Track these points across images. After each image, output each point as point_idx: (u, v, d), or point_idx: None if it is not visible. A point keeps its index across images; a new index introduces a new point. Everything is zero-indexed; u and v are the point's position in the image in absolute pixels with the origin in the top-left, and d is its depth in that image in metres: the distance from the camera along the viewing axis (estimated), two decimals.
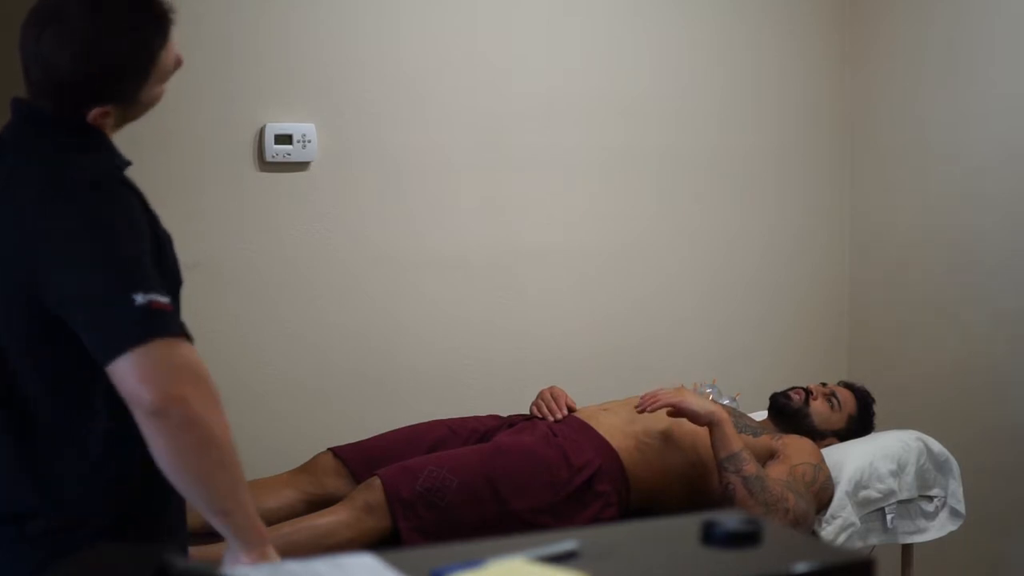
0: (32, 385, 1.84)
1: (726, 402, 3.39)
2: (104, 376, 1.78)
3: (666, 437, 3.11)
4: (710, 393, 3.38)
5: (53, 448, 1.85)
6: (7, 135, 1.95)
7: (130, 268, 1.78)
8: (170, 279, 1.92)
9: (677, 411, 3.01)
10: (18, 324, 1.84)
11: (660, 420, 3.14)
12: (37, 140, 1.91)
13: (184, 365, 1.75)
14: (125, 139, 2.94)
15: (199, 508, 1.82)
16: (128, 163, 1.99)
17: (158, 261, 1.87)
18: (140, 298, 1.74)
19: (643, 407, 3.04)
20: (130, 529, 1.85)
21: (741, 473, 2.92)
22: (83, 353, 1.80)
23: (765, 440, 3.18)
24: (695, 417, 2.99)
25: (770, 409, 3.36)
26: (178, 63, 2.00)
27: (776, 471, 3.01)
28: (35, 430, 1.85)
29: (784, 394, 3.35)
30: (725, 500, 2.93)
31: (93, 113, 1.90)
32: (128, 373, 1.73)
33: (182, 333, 1.79)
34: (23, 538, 1.85)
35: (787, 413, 3.31)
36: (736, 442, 2.96)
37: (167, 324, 1.76)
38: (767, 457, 3.12)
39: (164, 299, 1.77)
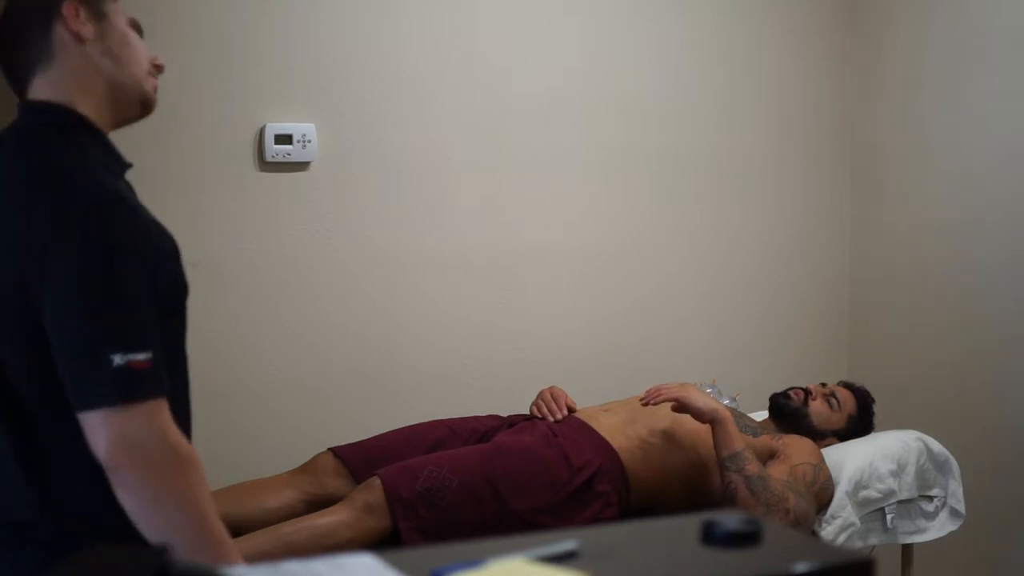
0: (30, 394, 1.84)
1: (726, 402, 3.39)
2: None
3: (666, 437, 3.11)
4: (710, 393, 3.38)
5: (52, 457, 1.84)
6: (7, 134, 1.95)
7: (115, 319, 1.75)
8: (174, 291, 1.90)
9: (680, 406, 3.01)
10: (13, 331, 1.83)
11: (661, 420, 3.14)
12: (38, 140, 1.90)
13: (154, 437, 1.75)
14: (126, 139, 2.93)
15: None
16: (129, 165, 1.98)
17: (159, 280, 1.85)
18: (118, 358, 1.73)
19: (647, 400, 3.04)
20: (130, 535, 1.85)
21: (743, 472, 2.92)
22: None
23: (765, 440, 3.18)
24: (698, 414, 2.99)
25: (770, 409, 3.36)
26: (134, 26, 2.01)
27: (776, 471, 3.01)
28: (34, 440, 1.84)
29: (783, 394, 3.36)
30: (726, 499, 2.93)
31: (66, 10, 1.91)
32: (95, 434, 1.74)
33: (158, 394, 1.77)
34: (24, 543, 1.85)
35: (786, 413, 3.31)
36: (738, 441, 2.96)
37: (142, 387, 1.74)
38: (767, 457, 3.12)
39: (144, 356, 1.75)
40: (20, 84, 1.96)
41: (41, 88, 1.94)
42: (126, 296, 1.78)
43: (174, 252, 1.94)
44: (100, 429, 1.74)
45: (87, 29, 1.94)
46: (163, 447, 1.75)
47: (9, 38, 1.95)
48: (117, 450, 1.73)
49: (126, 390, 1.73)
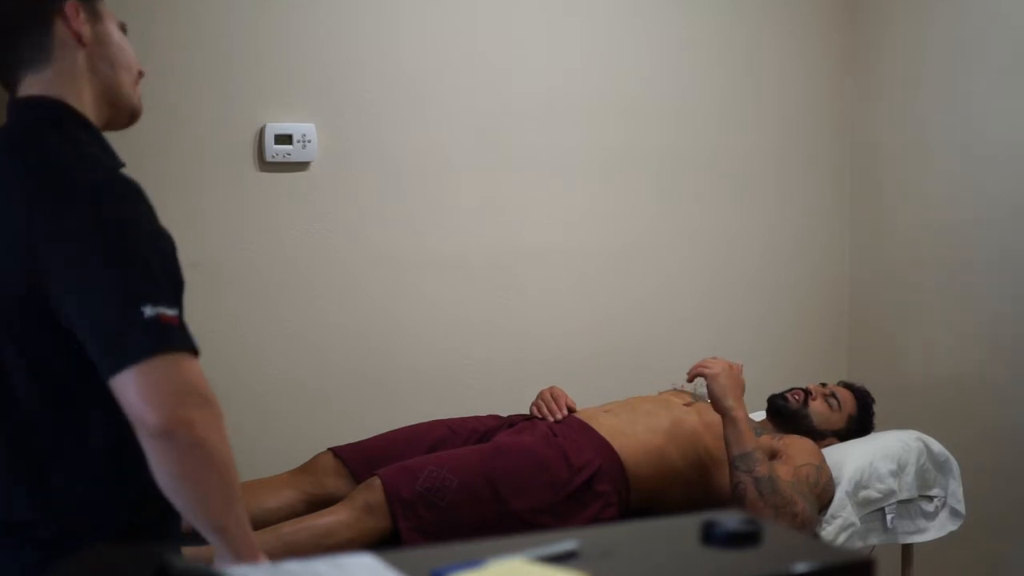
0: (30, 394, 1.83)
1: None
2: (104, 388, 1.75)
3: (667, 437, 3.11)
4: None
5: (53, 458, 1.83)
6: (1, 134, 1.94)
7: (140, 276, 1.74)
8: (177, 283, 1.91)
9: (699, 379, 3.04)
10: (13, 330, 1.82)
11: (661, 420, 3.14)
12: (33, 137, 1.89)
13: (189, 385, 1.72)
14: (127, 138, 2.93)
15: (194, 522, 1.80)
16: (122, 164, 1.98)
17: (167, 263, 1.85)
18: (148, 310, 1.71)
19: (692, 372, 3.06)
20: (130, 535, 1.84)
21: (753, 473, 2.91)
22: (83, 362, 1.77)
23: (766, 440, 3.18)
24: (713, 399, 2.99)
25: (768, 411, 3.36)
26: (122, 28, 2.02)
27: (780, 472, 3.01)
28: (35, 440, 1.84)
29: (782, 396, 3.35)
30: (735, 499, 2.92)
31: (67, 10, 1.90)
32: (131, 390, 1.70)
33: (189, 347, 1.75)
34: (24, 544, 1.84)
35: (786, 415, 3.31)
36: (750, 441, 2.95)
37: (174, 339, 1.72)
38: (769, 457, 3.12)
39: (173, 311, 1.74)
40: (9, 80, 1.95)
41: (32, 86, 1.92)
42: (146, 258, 1.77)
43: (174, 244, 1.94)
44: (135, 387, 1.69)
45: (87, 29, 1.93)
46: (200, 396, 1.73)
47: (3, 34, 1.93)
48: (154, 404, 1.68)
49: (160, 340, 1.70)
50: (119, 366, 1.70)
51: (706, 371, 3.02)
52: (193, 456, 1.72)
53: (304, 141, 3.34)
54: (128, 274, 1.74)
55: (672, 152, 3.82)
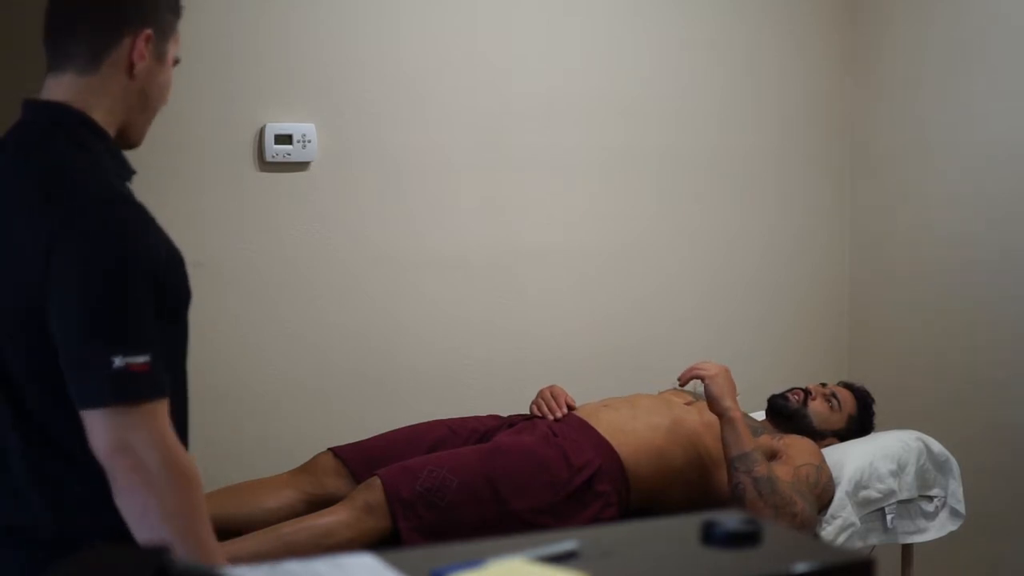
0: (32, 395, 1.83)
1: None
2: None
3: (667, 436, 3.11)
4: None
5: (55, 459, 1.84)
6: (12, 134, 1.93)
7: (116, 321, 1.76)
8: (177, 299, 1.90)
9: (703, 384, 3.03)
10: (16, 333, 1.82)
11: (661, 419, 3.14)
12: (42, 140, 1.88)
13: (141, 442, 1.75)
14: None
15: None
16: (134, 172, 1.97)
17: (167, 282, 1.85)
18: (118, 360, 1.74)
19: (684, 376, 3.07)
20: (131, 537, 1.84)
21: (752, 474, 2.91)
22: None
23: (766, 440, 3.18)
24: (710, 400, 3.00)
25: (768, 411, 3.36)
26: (176, 61, 2.01)
27: (780, 472, 3.01)
28: (38, 441, 1.84)
29: (782, 395, 3.35)
30: (734, 500, 2.92)
31: (140, 38, 1.89)
32: (92, 428, 1.76)
33: (154, 395, 1.77)
34: (24, 544, 1.84)
35: (785, 415, 3.31)
36: (748, 442, 2.95)
37: (139, 390, 1.75)
38: (769, 457, 3.11)
39: (142, 359, 1.75)
40: (52, 64, 1.92)
41: (58, 89, 1.91)
42: (128, 298, 1.78)
43: (180, 259, 1.93)
44: (99, 429, 1.75)
45: (143, 65, 1.92)
46: (159, 455, 1.75)
47: (70, 22, 1.90)
48: (114, 451, 1.75)
49: (124, 392, 1.74)
50: (86, 404, 1.76)
51: (704, 372, 3.02)
52: (146, 513, 1.76)
53: (304, 141, 3.34)
54: (107, 313, 1.76)
55: (672, 152, 3.82)
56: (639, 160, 3.78)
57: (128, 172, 1.96)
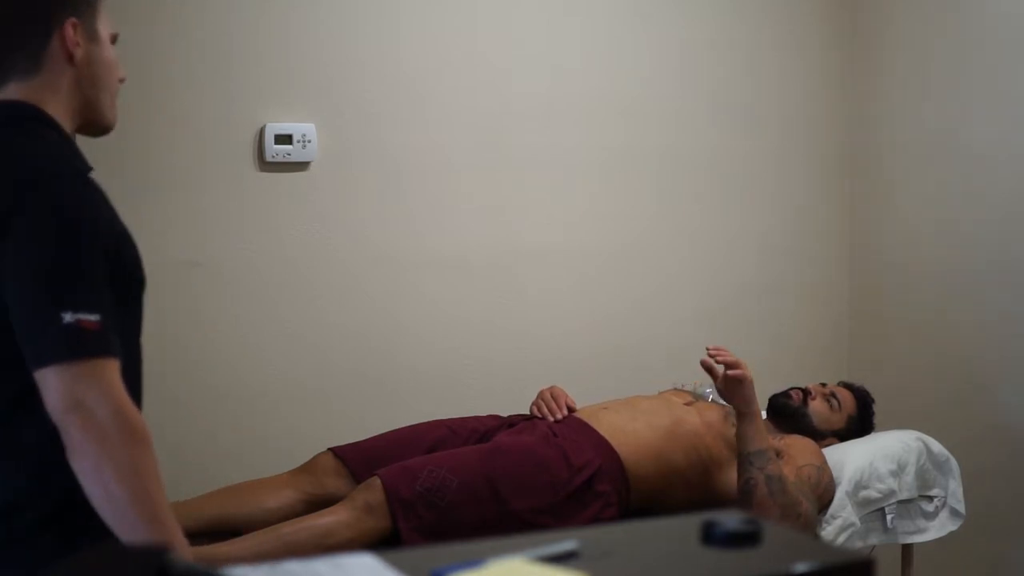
0: (3, 392, 1.85)
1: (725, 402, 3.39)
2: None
3: (667, 436, 3.11)
4: (710, 393, 3.38)
5: (39, 436, 1.84)
6: None
7: (66, 280, 1.79)
8: (128, 280, 1.93)
9: (732, 377, 2.96)
10: None
11: (662, 419, 3.14)
12: (2, 132, 1.92)
13: (93, 397, 1.76)
14: (128, 138, 2.94)
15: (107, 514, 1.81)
16: (90, 168, 1.99)
17: (115, 262, 1.87)
18: (68, 316, 1.76)
19: (714, 354, 2.98)
20: (54, 531, 1.85)
21: (765, 471, 2.91)
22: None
23: (769, 440, 3.17)
24: (746, 401, 2.96)
25: (768, 410, 3.36)
26: (113, 39, 2.05)
27: (784, 471, 3.00)
28: (20, 419, 1.85)
29: (783, 394, 3.35)
30: (743, 496, 2.92)
31: (67, 29, 1.93)
32: (44, 386, 1.77)
33: (105, 353, 1.79)
34: (12, 525, 1.85)
35: (786, 414, 3.31)
36: (766, 439, 2.95)
37: (89, 345, 1.77)
38: None
39: (93, 317, 1.78)
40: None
41: (13, 92, 1.95)
42: (80, 260, 1.81)
43: (133, 243, 1.97)
44: (53, 386, 1.77)
45: (80, 51, 1.97)
46: (110, 410, 1.77)
47: (2, 41, 1.96)
48: (65, 407, 1.76)
49: (75, 347, 1.76)
50: (38, 363, 1.78)
51: (748, 373, 2.98)
52: (99, 471, 1.76)
53: (304, 141, 3.34)
54: (57, 271, 1.79)
55: (672, 152, 3.82)
56: (639, 160, 3.78)
57: (86, 167, 1.97)
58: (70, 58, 1.95)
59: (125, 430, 1.77)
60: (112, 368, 1.79)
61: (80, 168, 1.93)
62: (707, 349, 3.01)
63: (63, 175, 1.86)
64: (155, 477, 1.80)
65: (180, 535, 1.83)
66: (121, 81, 2.07)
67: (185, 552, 1.81)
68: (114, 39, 2.05)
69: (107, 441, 1.76)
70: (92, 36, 1.99)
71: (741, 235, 3.93)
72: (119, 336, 1.84)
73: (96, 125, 2.04)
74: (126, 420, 1.77)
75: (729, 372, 2.96)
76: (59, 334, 1.75)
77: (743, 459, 2.94)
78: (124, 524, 1.76)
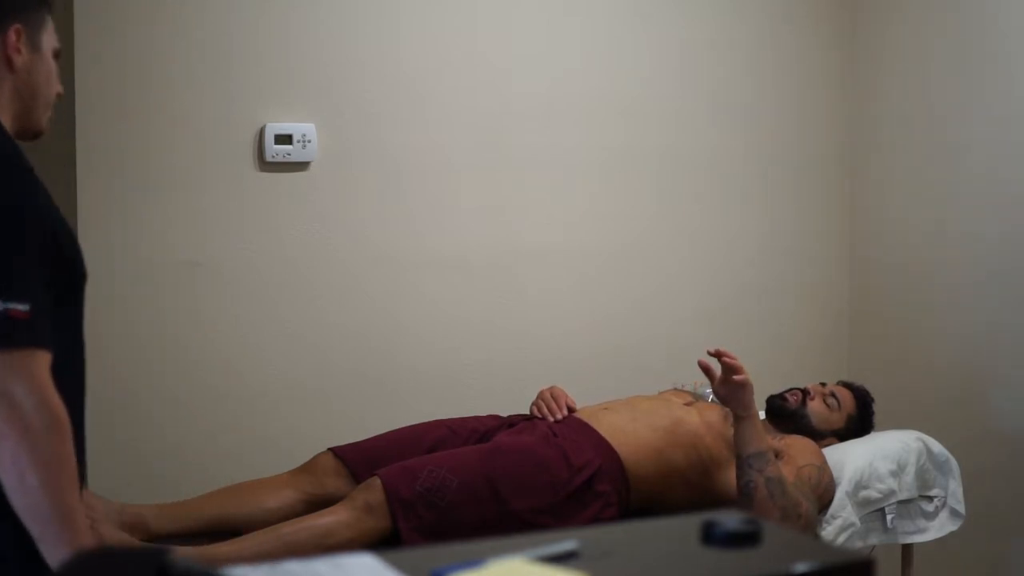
0: None
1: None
2: None
3: (667, 437, 3.10)
4: (710, 393, 3.37)
5: None
6: None
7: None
8: (69, 274, 1.93)
9: (736, 382, 2.95)
10: None
11: (662, 419, 3.14)
12: None
13: (17, 386, 1.77)
14: (128, 138, 2.95)
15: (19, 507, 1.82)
16: (30, 168, 1.99)
17: (54, 253, 1.87)
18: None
19: (722, 354, 2.96)
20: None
21: (764, 473, 2.90)
22: None
23: (768, 440, 3.17)
24: (744, 406, 2.95)
25: (767, 411, 3.35)
26: (57, 54, 2.06)
27: (783, 472, 3.00)
28: None
29: (781, 396, 3.35)
30: (743, 498, 2.92)
31: (10, 34, 1.94)
32: None
33: (34, 344, 1.79)
34: None
35: (784, 415, 3.31)
36: (764, 441, 2.95)
37: (17, 335, 1.77)
38: None
39: (23, 307, 1.78)
40: None
41: None
42: (12, 247, 1.82)
43: (74, 236, 1.97)
44: None
45: (20, 59, 1.98)
46: (35, 400, 1.78)
47: None
48: None
49: (2, 336, 1.76)
50: None
51: (749, 379, 2.98)
52: (15, 461, 1.77)
53: (304, 141, 3.34)
54: None
55: (672, 152, 3.82)
56: (639, 160, 3.78)
57: (27, 162, 1.98)
58: (10, 64, 1.97)
59: (48, 422, 1.78)
60: (41, 359, 1.80)
61: (24, 163, 1.93)
62: (708, 352, 3.00)
63: (3, 166, 1.87)
64: (71, 470, 1.81)
65: (87, 529, 1.83)
66: (59, 96, 2.08)
67: (85, 540, 1.81)
68: (57, 54, 2.06)
69: (29, 431, 1.77)
70: (35, 46, 2.00)
71: (741, 235, 3.93)
72: (59, 329, 1.85)
73: (27, 132, 2.04)
74: (50, 412, 1.78)
75: (735, 377, 2.95)
76: None
77: (742, 462, 2.94)
78: (34, 512, 1.78)
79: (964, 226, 3.74)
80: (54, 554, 1.79)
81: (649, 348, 3.79)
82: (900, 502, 3.20)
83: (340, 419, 3.37)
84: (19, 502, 1.78)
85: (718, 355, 2.97)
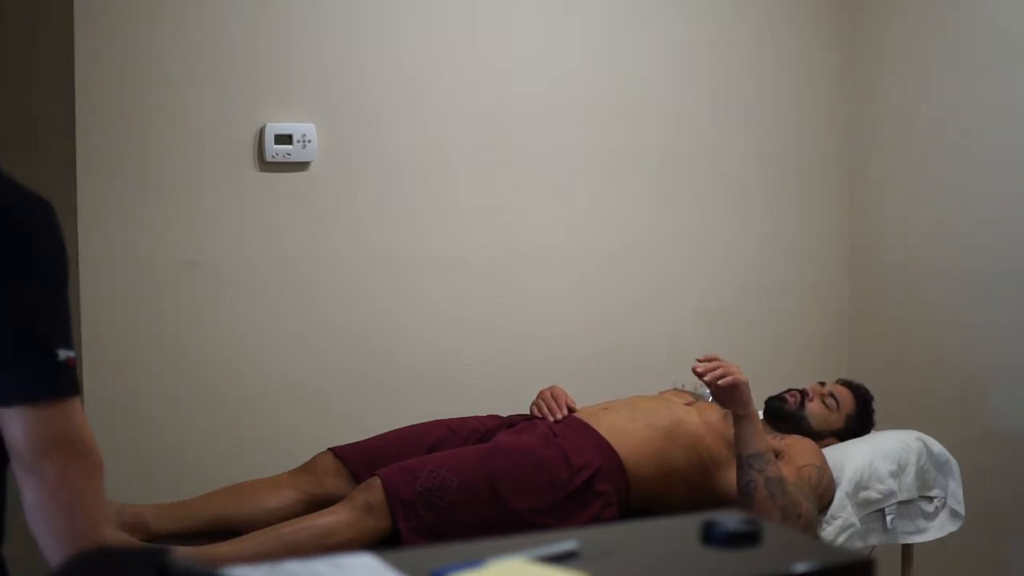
0: None
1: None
2: None
3: (667, 436, 3.10)
4: (709, 393, 3.38)
5: None
6: None
7: (63, 316, 1.76)
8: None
9: (724, 386, 2.96)
10: None
11: (662, 418, 3.14)
12: None
13: (76, 432, 1.74)
14: (127, 138, 2.95)
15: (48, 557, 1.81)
16: None
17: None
18: (63, 353, 1.73)
19: (709, 373, 2.97)
20: None
21: (764, 473, 2.90)
22: None
23: (768, 440, 3.17)
24: (741, 404, 2.96)
25: (766, 413, 3.35)
26: None
27: (783, 472, 3.00)
28: None
29: (779, 397, 3.35)
30: (743, 498, 2.92)
31: None
32: (27, 424, 1.72)
33: (79, 391, 1.77)
34: None
35: (783, 417, 3.30)
36: (764, 441, 2.95)
37: (76, 382, 1.75)
38: None
39: (73, 354, 1.76)
40: None
41: None
42: (66, 292, 1.79)
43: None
44: (34, 422, 1.72)
45: None
46: (89, 443, 1.76)
47: None
48: (49, 442, 1.72)
49: (71, 383, 1.74)
50: (24, 400, 1.72)
51: (740, 378, 2.98)
52: (72, 505, 1.74)
53: (304, 141, 3.34)
54: (58, 308, 1.76)
55: (672, 152, 3.82)
56: (639, 160, 3.78)
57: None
58: None
59: (98, 462, 1.77)
60: (81, 408, 1.78)
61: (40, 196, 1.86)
62: (697, 360, 3.01)
63: (50, 208, 1.80)
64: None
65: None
66: None
67: None
68: None
69: (85, 473, 1.74)
70: None
71: (741, 235, 3.93)
72: None
73: None
74: (98, 453, 1.77)
75: (720, 382, 2.96)
76: (53, 371, 1.72)
77: (741, 462, 2.94)
78: (62, 547, 1.74)
79: (964, 226, 3.74)
80: None
81: (649, 348, 3.79)
82: (900, 502, 3.20)
83: (340, 419, 3.37)
84: (75, 547, 1.76)
85: (705, 369, 2.97)
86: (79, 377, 1.79)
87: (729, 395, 2.97)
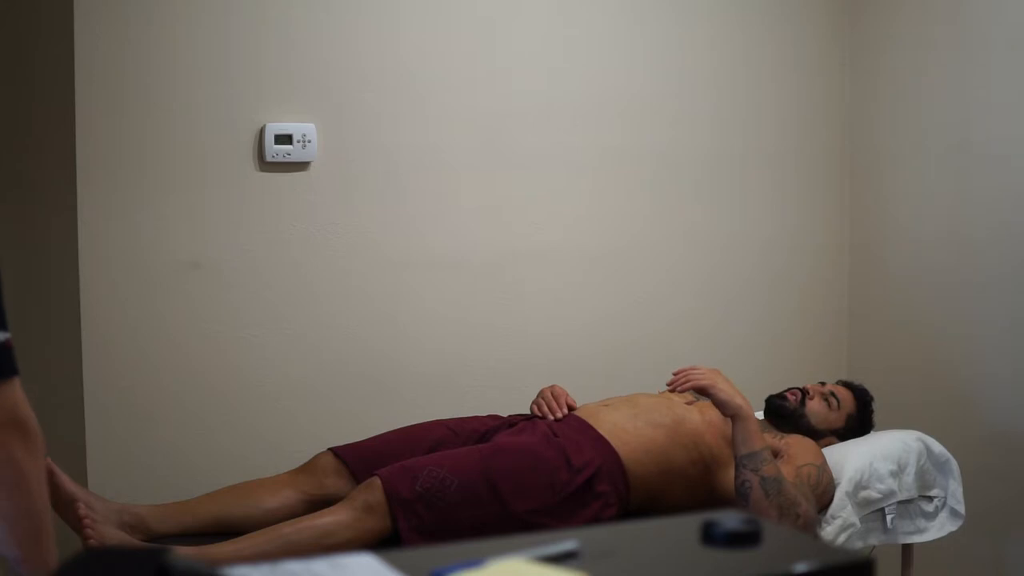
0: None
1: None
2: None
3: (668, 435, 3.10)
4: None
5: None
6: None
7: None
8: None
9: (705, 394, 2.98)
10: None
11: (662, 417, 3.13)
12: None
13: (25, 411, 1.76)
14: (127, 138, 2.95)
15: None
16: None
17: None
18: (1, 335, 1.74)
19: (675, 386, 2.99)
20: None
21: (760, 472, 2.90)
22: None
23: (768, 439, 3.17)
24: (721, 405, 2.97)
25: (766, 411, 3.35)
26: None
27: (783, 471, 3.00)
28: None
29: (780, 396, 3.35)
30: (739, 498, 2.92)
31: None
32: None
33: (17, 371, 1.78)
34: None
35: (783, 415, 3.30)
36: (759, 440, 2.95)
37: (13, 363, 1.76)
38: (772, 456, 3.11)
39: (8, 336, 1.77)
40: None
41: None
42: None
43: None
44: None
45: None
46: (32, 424, 1.77)
47: None
48: (5, 421, 1.75)
49: (10, 364, 1.75)
50: None
51: (702, 382, 2.98)
52: (20, 482, 1.76)
53: (304, 141, 3.34)
54: None
55: (671, 152, 3.82)
56: (638, 160, 3.78)
57: None
58: None
59: (41, 440, 1.78)
60: (20, 389, 1.79)
61: None
62: (673, 374, 3.02)
63: None
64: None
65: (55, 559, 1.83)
66: None
67: (51, 560, 1.81)
68: None
69: (33, 451, 1.76)
70: None
71: (740, 234, 3.93)
72: None
73: None
74: (39, 432, 1.79)
75: (687, 385, 2.98)
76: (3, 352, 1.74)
77: (737, 462, 2.94)
78: (36, 533, 1.77)
79: (964, 226, 3.74)
80: (38, 572, 1.79)
81: (649, 348, 3.79)
82: (900, 502, 3.20)
83: (340, 419, 3.37)
84: (27, 524, 1.77)
85: (675, 385, 2.99)
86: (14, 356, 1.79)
87: (713, 399, 2.98)
